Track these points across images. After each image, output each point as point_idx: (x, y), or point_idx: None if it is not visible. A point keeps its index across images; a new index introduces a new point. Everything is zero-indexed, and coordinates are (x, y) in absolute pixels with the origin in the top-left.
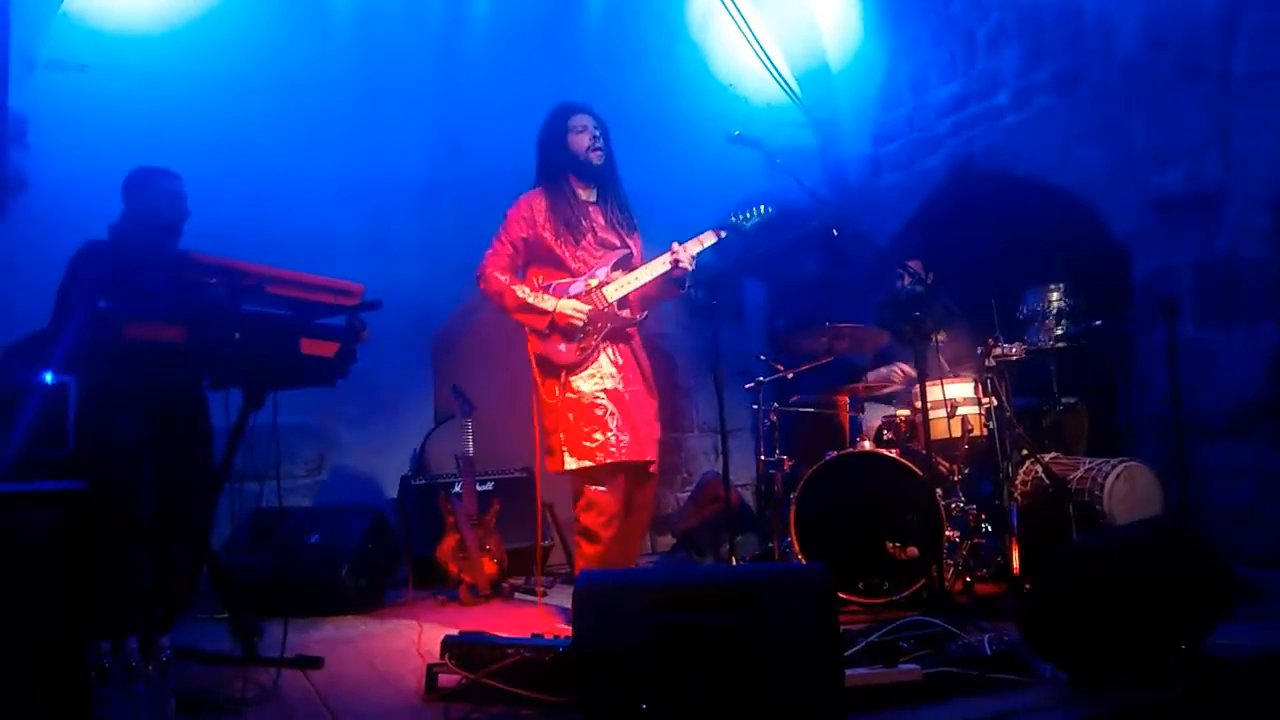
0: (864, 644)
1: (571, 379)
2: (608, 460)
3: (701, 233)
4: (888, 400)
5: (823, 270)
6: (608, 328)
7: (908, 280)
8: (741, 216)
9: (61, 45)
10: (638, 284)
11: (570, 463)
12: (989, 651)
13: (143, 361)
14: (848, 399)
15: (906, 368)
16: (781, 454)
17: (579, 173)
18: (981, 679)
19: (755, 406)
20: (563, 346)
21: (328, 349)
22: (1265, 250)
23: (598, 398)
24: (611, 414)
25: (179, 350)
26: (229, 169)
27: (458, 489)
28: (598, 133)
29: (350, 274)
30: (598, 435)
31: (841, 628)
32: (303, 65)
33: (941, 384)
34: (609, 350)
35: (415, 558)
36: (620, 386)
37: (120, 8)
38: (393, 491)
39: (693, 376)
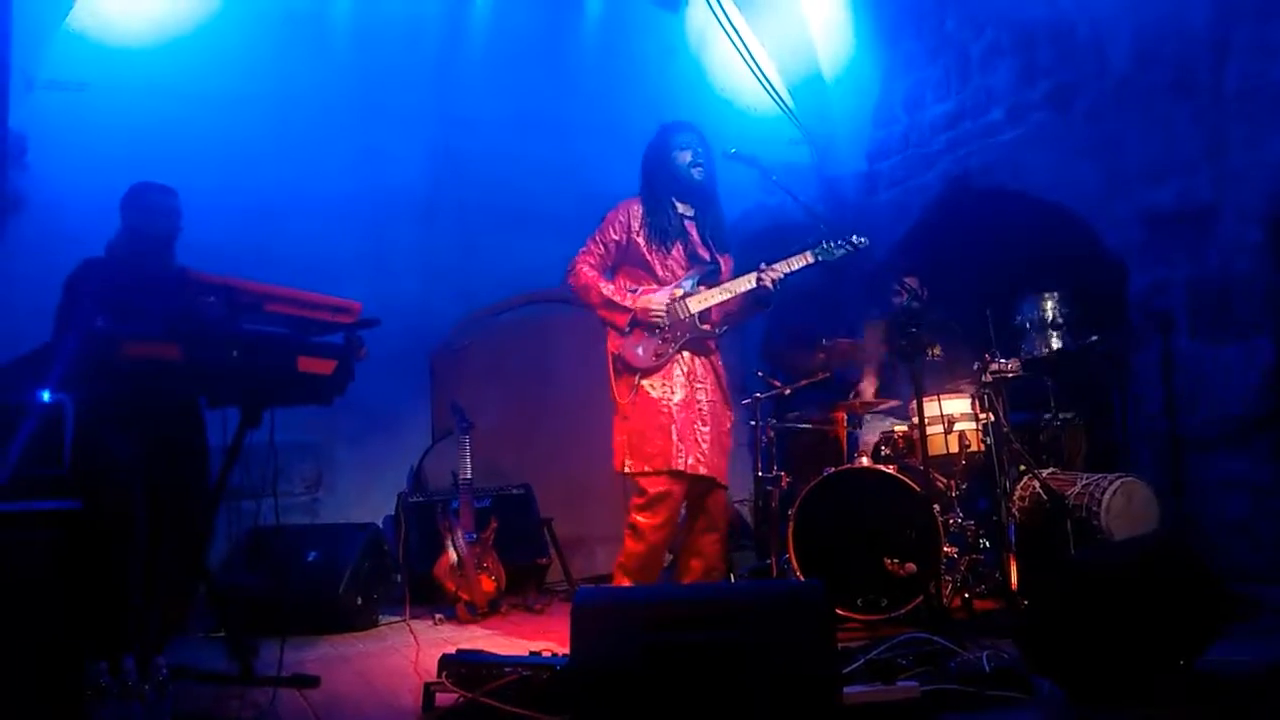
0: (862, 661)
1: (643, 382)
2: (664, 467)
3: (792, 255)
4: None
5: (819, 286)
6: (686, 337)
7: (904, 296)
8: (833, 244)
9: (61, 64)
10: (722, 299)
11: (628, 464)
12: (987, 668)
13: (140, 380)
14: (845, 415)
15: (866, 383)
16: (779, 470)
17: (679, 188)
18: (980, 696)
19: (753, 423)
20: (640, 349)
21: (325, 367)
22: (1258, 265)
23: (664, 406)
24: (675, 423)
25: (176, 368)
26: (228, 186)
27: (455, 506)
28: (701, 150)
29: (348, 291)
30: (659, 441)
31: (840, 645)
32: (301, 82)
33: (938, 400)
34: (684, 359)
35: (413, 575)
36: (691, 396)
37: (120, 26)
38: (390, 509)
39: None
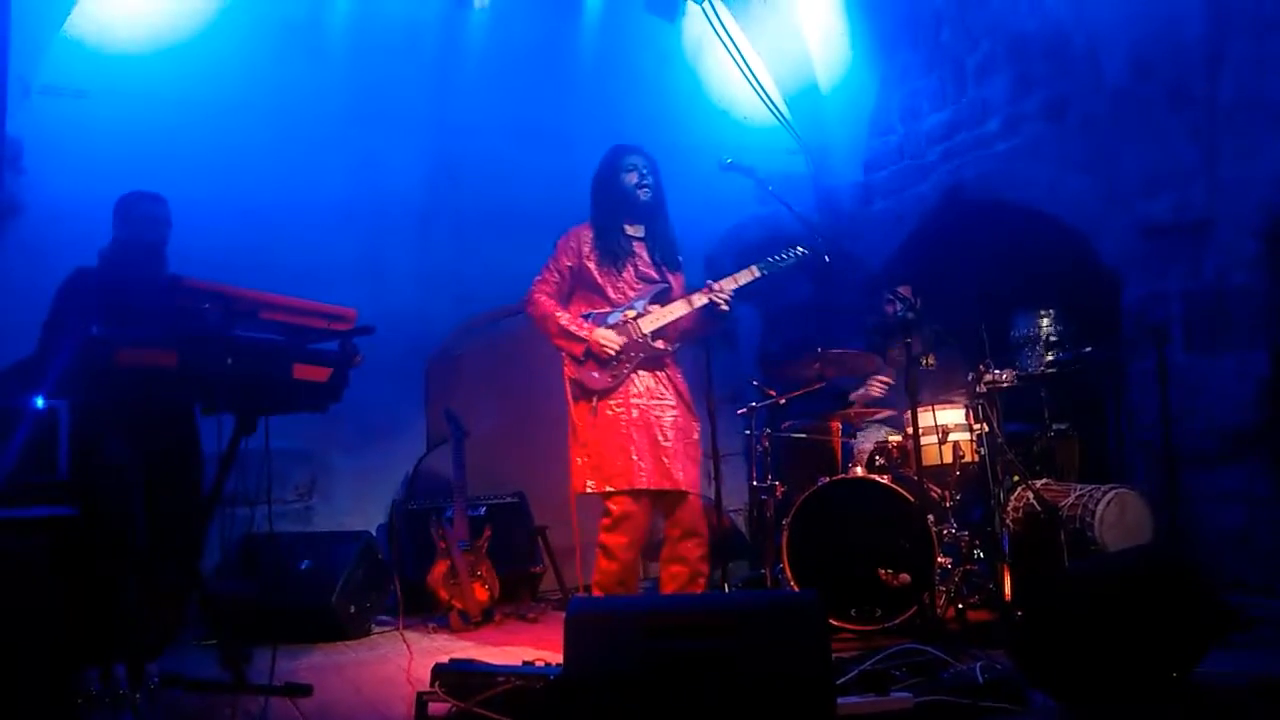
0: (856, 672)
1: (603, 406)
2: (624, 486)
3: (739, 270)
4: (880, 424)
5: (814, 296)
6: (640, 357)
7: (897, 306)
8: (777, 257)
9: (59, 70)
10: (672, 318)
11: (590, 485)
12: (981, 680)
13: (135, 387)
14: (840, 424)
15: (882, 378)
16: (774, 480)
17: (628, 209)
18: (974, 707)
19: (747, 432)
20: (596, 373)
21: (320, 374)
22: (1254, 277)
23: (622, 425)
24: (634, 442)
25: (172, 375)
26: (224, 194)
27: (449, 514)
28: (646, 171)
29: (344, 299)
30: (619, 461)
31: (834, 655)
32: (298, 90)
33: (933, 410)
34: (640, 376)
35: (406, 584)
36: (647, 412)
37: (118, 33)
38: (384, 517)
39: (689, 393)
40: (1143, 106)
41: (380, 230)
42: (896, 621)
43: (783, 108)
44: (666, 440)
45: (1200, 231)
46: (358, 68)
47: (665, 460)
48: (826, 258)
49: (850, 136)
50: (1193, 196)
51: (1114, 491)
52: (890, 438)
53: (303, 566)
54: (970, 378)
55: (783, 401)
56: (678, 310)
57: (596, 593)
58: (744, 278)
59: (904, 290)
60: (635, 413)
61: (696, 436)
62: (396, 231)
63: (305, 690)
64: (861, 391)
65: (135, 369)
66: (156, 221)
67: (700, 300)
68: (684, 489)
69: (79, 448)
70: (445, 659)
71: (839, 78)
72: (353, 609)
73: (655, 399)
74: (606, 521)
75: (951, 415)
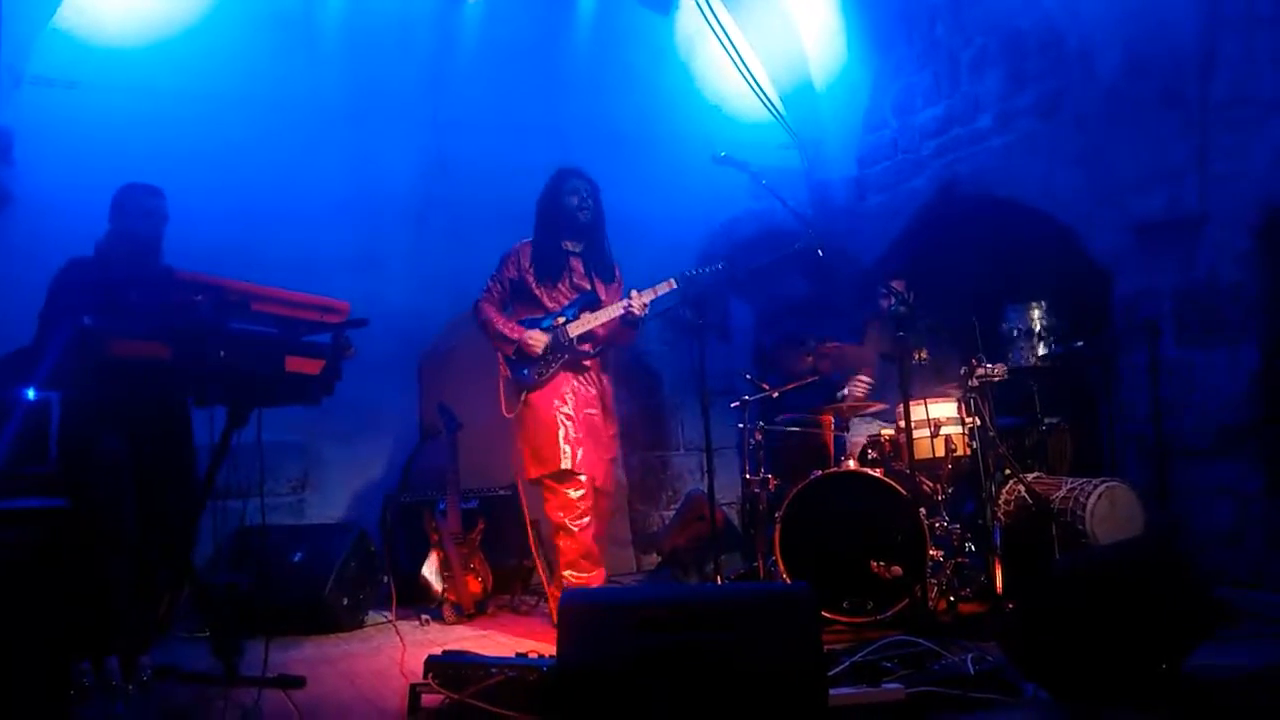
0: (848, 664)
1: (530, 397)
2: (563, 466)
3: (658, 282)
4: (872, 418)
5: (808, 290)
6: (564, 358)
7: (891, 300)
8: (696, 270)
9: (49, 61)
10: (595, 324)
11: (533, 470)
12: (972, 671)
13: (128, 378)
14: (832, 418)
15: (863, 378)
16: (767, 473)
17: (567, 227)
18: (964, 698)
19: (741, 425)
20: (525, 370)
21: (313, 367)
22: (1244, 273)
23: (555, 416)
24: (563, 430)
25: (164, 367)
26: (217, 186)
27: (442, 507)
28: (587, 194)
29: (337, 292)
30: (553, 446)
31: (826, 647)
32: (292, 83)
33: (925, 404)
34: (568, 379)
35: (399, 576)
36: (573, 411)
37: (109, 24)
38: (377, 510)
39: (678, 395)
40: (1135, 103)
41: (374, 224)
42: (888, 614)
43: (776, 102)
44: (592, 439)
45: (1192, 227)
46: (351, 61)
47: (589, 454)
48: (820, 252)
49: (844, 131)
50: (1184, 192)
51: (1105, 485)
52: (882, 431)
53: (295, 559)
54: (963, 371)
55: (776, 395)
56: (600, 317)
57: (567, 578)
58: (662, 288)
59: (898, 284)
60: (568, 408)
61: (611, 438)
62: (390, 225)
63: (298, 682)
64: (845, 393)
65: (127, 360)
66: (154, 214)
67: (620, 309)
68: (600, 485)
69: (71, 439)
70: (438, 651)
71: (833, 72)
72: (345, 601)
73: (581, 398)
74: (554, 501)
75: (944, 409)
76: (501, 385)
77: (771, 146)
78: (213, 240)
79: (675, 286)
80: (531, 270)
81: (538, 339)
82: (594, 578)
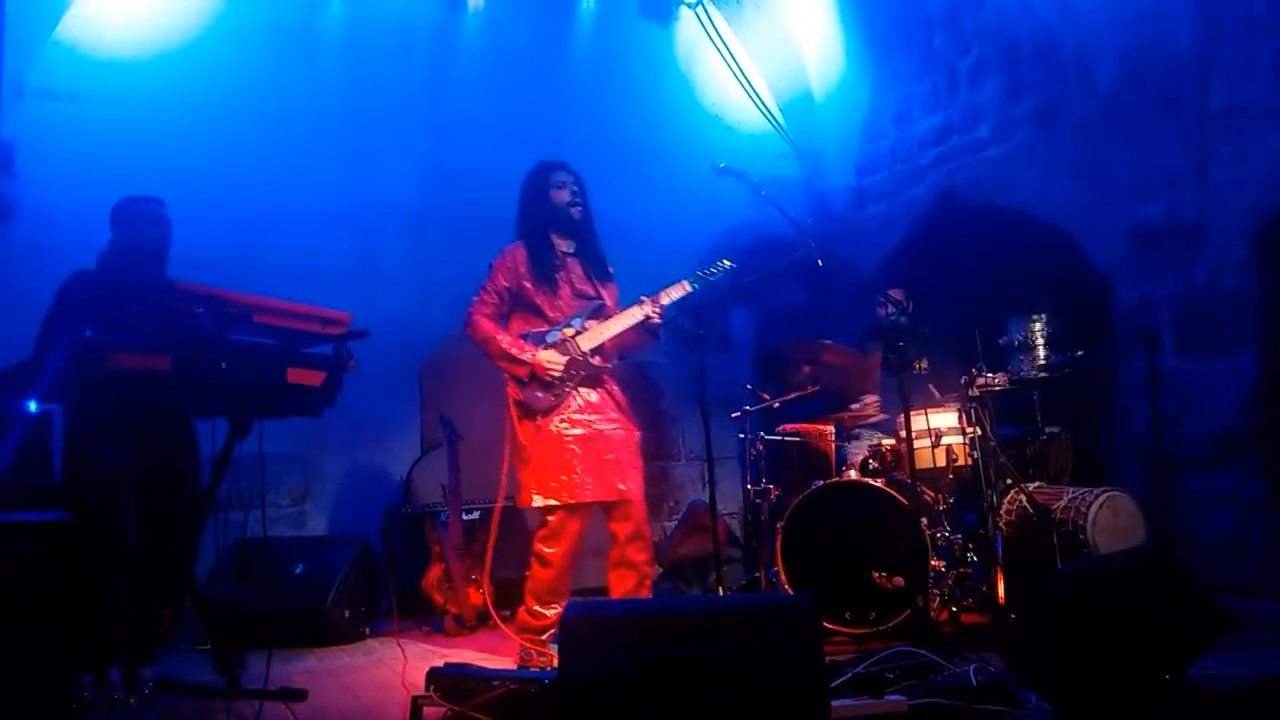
0: (850, 675)
1: (546, 423)
2: (570, 500)
3: (670, 285)
4: (873, 428)
5: (808, 300)
6: (580, 375)
7: (890, 309)
8: (707, 271)
9: (51, 73)
10: (610, 334)
11: (537, 500)
12: (974, 682)
13: (129, 391)
14: (833, 428)
15: (869, 399)
16: (768, 483)
17: (559, 226)
18: (967, 710)
19: (742, 435)
20: (540, 394)
21: (314, 378)
22: (1243, 281)
23: (566, 440)
24: (578, 456)
25: (165, 379)
26: (217, 197)
27: (444, 518)
28: (576, 188)
29: (338, 303)
30: (563, 476)
31: (827, 658)
32: (292, 93)
33: (926, 414)
34: (580, 393)
35: (400, 588)
36: (593, 428)
37: (111, 37)
38: (378, 521)
39: (679, 405)
40: (1133, 112)
41: (375, 234)
42: (890, 624)
43: (776, 112)
44: (611, 454)
45: (1190, 236)
46: (351, 71)
47: (610, 474)
48: (820, 261)
49: (843, 141)
50: (1183, 201)
51: (1106, 494)
52: (883, 441)
53: (297, 571)
54: (963, 381)
55: (777, 405)
56: (614, 327)
57: (531, 602)
58: (676, 292)
59: (897, 293)
60: (580, 430)
61: (637, 445)
62: (391, 235)
63: (300, 695)
64: (857, 408)
65: (129, 372)
66: (160, 222)
67: (636, 315)
68: (629, 498)
69: (73, 452)
70: (440, 663)
71: (832, 82)
72: (347, 613)
73: (597, 413)
74: (544, 532)
75: (944, 419)
76: (512, 409)
77: (771, 156)
78: (213, 251)
79: (689, 289)
80: (529, 276)
81: (555, 361)
82: (553, 618)
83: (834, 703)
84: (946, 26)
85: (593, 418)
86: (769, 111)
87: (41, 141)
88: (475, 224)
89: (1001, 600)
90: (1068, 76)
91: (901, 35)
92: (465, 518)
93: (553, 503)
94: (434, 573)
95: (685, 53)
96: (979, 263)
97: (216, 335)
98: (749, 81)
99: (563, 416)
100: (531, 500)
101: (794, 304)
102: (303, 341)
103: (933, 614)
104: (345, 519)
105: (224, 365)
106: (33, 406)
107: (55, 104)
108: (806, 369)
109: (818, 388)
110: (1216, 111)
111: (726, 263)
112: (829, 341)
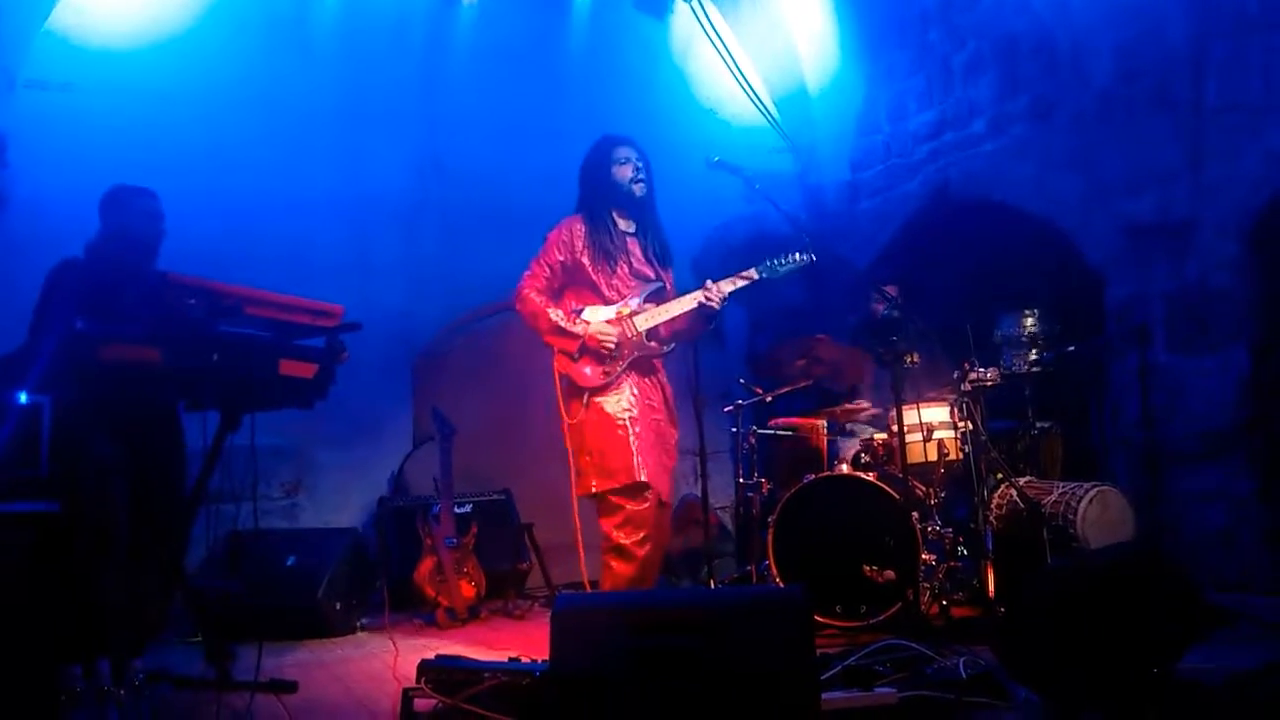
0: (840, 667)
1: (595, 400)
2: (631, 480)
3: (736, 272)
4: (865, 423)
5: (801, 295)
6: (634, 355)
7: (883, 304)
8: (777, 261)
9: (44, 64)
10: (668, 316)
11: (594, 485)
12: (964, 675)
13: (119, 382)
14: (825, 422)
15: (863, 403)
16: (760, 477)
17: (620, 203)
18: (957, 702)
19: (734, 429)
20: (589, 370)
21: (306, 370)
22: (1235, 278)
23: (619, 420)
24: (633, 438)
25: (156, 371)
26: (210, 188)
27: (436, 511)
28: (640, 165)
29: (331, 295)
30: (623, 456)
31: (818, 651)
32: (285, 84)
33: (917, 408)
34: (632, 379)
35: (392, 580)
36: (639, 415)
37: (103, 27)
38: (370, 514)
39: (673, 399)
40: (1127, 107)
41: (368, 227)
42: (881, 618)
43: (770, 106)
44: (650, 443)
45: (1183, 232)
46: (345, 63)
47: (654, 462)
48: (813, 257)
49: (837, 135)
50: (1175, 197)
51: (1096, 489)
52: (875, 435)
53: (288, 563)
54: (955, 376)
55: (769, 399)
56: (673, 309)
57: None
58: (742, 280)
59: (890, 289)
60: (636, 411)
61: (674, 445)
62: (384, 228)
63: (291, 687)
64: (851, 408)
65: (119, 364)
66: (154, 215)
67: (696, 299)
68: (662, 497)
69: (62, 443)
70: (431, 655)
71: (826, 76)
72: (339, 606)
73: (646, 402)
74: (617, 519)
75: (936, 413)
76: (558, 384)
77: (765, 150)
78: (206, 242)
79: (757, 278)
80: (587, 252)
81: (609, 334)
82: None
83: (824, 695)
84: (941, 21)
85: (645, 403)
86: (763, 105)
87: (34, 132)
88: (469, 216)
89: (991, 594)
90: (1062, 72)
91: (896, 29)
92: (457, 510)
93: (615, 486)
94: (426, 565)
95: (680, 46)
96: (972, 257)
97: (208, 327)
98: (744, 75)
99: (618, 397)
100: (591, 487)
101: (787, 298)
102: (295, 333)
103: (923, 607)
104: (337, 511)
105: (215, 357)
106: (23, 397)
107: (48, 94)
108: (800, 363)
109: (810, 382)
110: (1210, 108)
111: (799, 255)
112: (823, 336)
